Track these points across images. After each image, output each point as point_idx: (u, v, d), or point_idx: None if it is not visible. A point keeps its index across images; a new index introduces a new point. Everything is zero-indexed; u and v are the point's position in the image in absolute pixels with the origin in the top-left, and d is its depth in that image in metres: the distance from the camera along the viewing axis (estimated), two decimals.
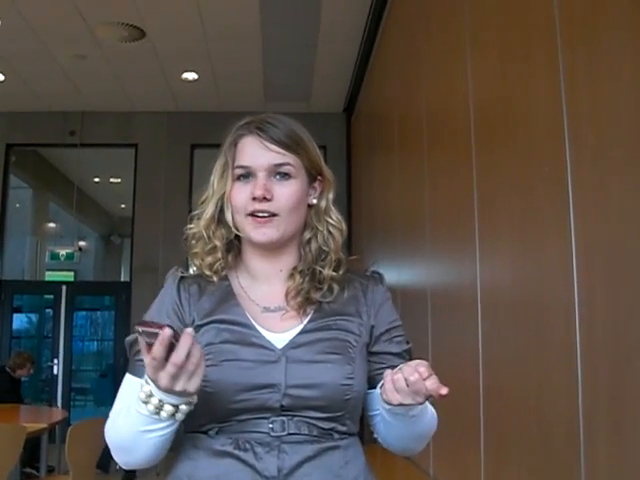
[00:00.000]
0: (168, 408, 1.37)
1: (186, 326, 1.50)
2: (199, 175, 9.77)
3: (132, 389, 1.48)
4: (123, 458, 1.52)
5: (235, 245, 1.64)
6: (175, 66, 8.36)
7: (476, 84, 3.68)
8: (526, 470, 3.00)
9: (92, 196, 12.92)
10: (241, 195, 1.56)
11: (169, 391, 1.33)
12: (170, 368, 1.28)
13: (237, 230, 1.59)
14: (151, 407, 1.36)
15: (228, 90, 9.06)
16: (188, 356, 1.29)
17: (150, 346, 1.27)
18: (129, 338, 1.57)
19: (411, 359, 1.52)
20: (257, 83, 8.86)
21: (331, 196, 1.67)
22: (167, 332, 1.26)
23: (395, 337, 1.64)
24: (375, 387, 1.58)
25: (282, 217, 1.55)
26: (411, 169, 5.53)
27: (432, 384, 1.35)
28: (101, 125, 9.98)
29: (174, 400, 1.36)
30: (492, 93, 3.48)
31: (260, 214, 1.54)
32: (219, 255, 1.60)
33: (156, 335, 1.26)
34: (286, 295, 1.59)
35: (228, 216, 1.59)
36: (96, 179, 12.39)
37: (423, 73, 5.02)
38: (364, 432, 1.67)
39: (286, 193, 1.55)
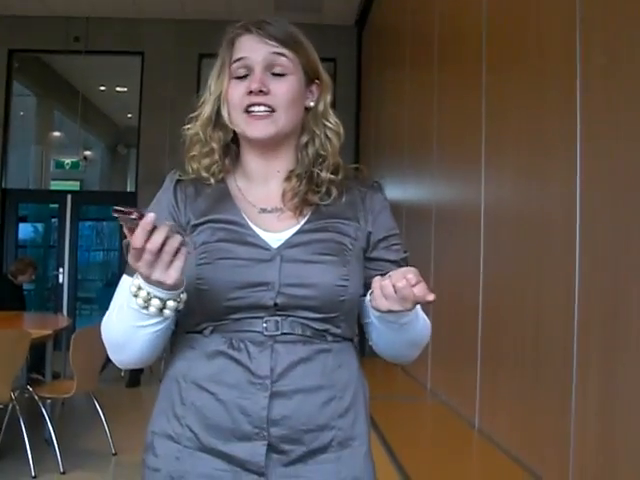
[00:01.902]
0: (156, 302, 1.37)
1: (181, 226, 1.54)
2: (206, 84, 9.63)
3: (126, 288, 1.48)
4: (117, 357, 1.54)
5: (232, 148, 1.64)
6: None
7: (491, 5, 3.62)
8: (520, 386, 3.06)
9: (98, 105, 12.77)
10: (237, 91, 1.55)
11: (148, 280, 1.34)
12: (146, 255, 1.29)
13: (234, 127, 1.58)
14: (140, 300, 1.37)
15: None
16: (164, 245, 1.29)
17: (133, 232, 1.29)
18: (126, 240, 1.56)
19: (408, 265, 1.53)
20: None
21: (329, 99, 1.65)
22: (150, 216, 1.27)
23: (393, 245, 1.63)
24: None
25: (278, 112, 1.53)
26: (421, 85, 5.48)
27: (420, 290, 1.33)
28: (107, 32, 9.81)
29: (161, 294, 1.36)
30: (505, 9, 3.42)
31: (256, 108, 1.53)
32: (216, 157, 1.60)
33: (137, 222, 1.27)
34: (282, 196, 1.58)
35: (225, 114, 1.58)
36: (102, 87, 12.23)
37: None
38: (365, 342, 1.66)
39: (282, 88, 1.54)
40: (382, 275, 1.45)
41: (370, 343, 1.66)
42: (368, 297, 1.50)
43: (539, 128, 2.89)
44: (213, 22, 9.36)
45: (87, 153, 11.88)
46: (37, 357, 6.05)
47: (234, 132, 1.61)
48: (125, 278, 1.53)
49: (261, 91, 1.52)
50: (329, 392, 1.50)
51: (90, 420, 5.78)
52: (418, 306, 1.45)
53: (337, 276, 1.50)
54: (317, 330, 1.50)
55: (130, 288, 1.39)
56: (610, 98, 2.31)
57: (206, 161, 1.59)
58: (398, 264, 1.59)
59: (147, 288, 1.36)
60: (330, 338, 1.52)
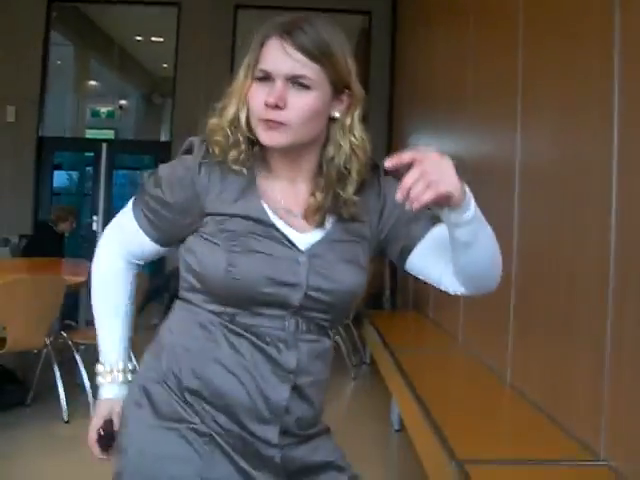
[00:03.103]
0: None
1: (201, 203, 1.55)
2: (242, 37, 9.61)
3: (129, 229, 1.66)
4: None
5: (259, 145, 1.59)
6: None
7: None
8: (553, 339, 3.08)
9: (134, 54, 12.76)
10: (257, 98, 1.52)
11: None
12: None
13: (250, 130, 1.56)
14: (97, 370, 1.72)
15: None
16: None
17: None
18: (145, 180, 1.64)
19: (433, 214, 1.55)
20: None
21: (358, 113, 1.60)
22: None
23: (398, 208, 1.56)
24: (414, 246, 1.62)
25: (292, 128, 1.51)
26: (456, 41, 5.43)
27: (414, 193, 1.33)
28: None
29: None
30: None
31: (271, 122, 1.50)
32: (242, 147, 1.57)
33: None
34: (306, 209, 1.58)
35: (242, 116, 1.56)
36: (138, 37, 12.21)
37: None
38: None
39: (300, 103, 1.50)
40: (407, 232, 1.61)
41: (449, 289, 1.65)
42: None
43: (575, 84, 2.88)
44: None
45: (122, 102, 11.91)
46: (71, 303, 6.14)
47: None
48: (131, 216, 1.64)
49: (277, 106, 1.48)
50: (324, 384, 1.63)
51: None
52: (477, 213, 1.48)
53: (357, 283, 1.57)
54: (326, 328, 1.59)
55: (101, 364, 1.71)
56: None
57: (233, 152, 1.56)
58: (414, 217, 1.60)
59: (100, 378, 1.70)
60: (330, 334, 1.62)
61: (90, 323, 6.30)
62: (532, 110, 3.46)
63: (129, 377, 1.68)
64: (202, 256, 1.54)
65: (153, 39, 12.28)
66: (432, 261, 1.64)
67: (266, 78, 1.51)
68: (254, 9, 9.60)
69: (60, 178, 11.47)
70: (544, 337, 3.19)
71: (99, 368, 1.69)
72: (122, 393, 1.65)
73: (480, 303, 4.00)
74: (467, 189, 1.44)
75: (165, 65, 11.61)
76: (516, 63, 3.62)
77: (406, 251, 1.64)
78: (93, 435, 1.66)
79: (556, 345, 3.02)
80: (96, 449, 1.66)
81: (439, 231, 1.60)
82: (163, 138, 10.87)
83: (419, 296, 6.42)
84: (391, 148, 8.27)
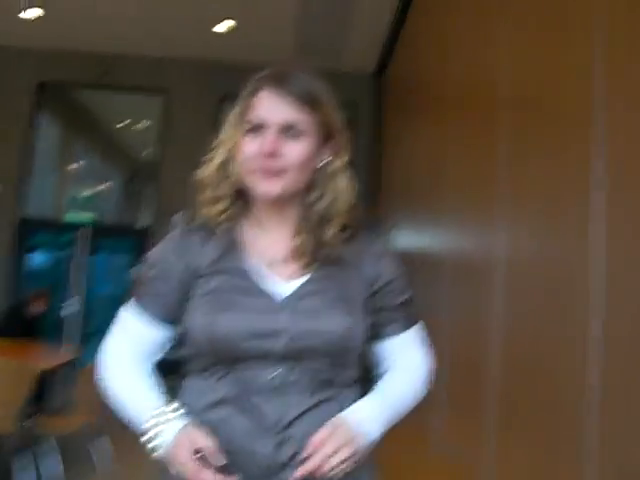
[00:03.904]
0: (151, 450, 1.48)
1: (190, 271, 1.58)
2: (223, 129, 9.71)
3: (131, 324, 1.63)
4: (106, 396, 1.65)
5: (242, 195, 1.63)
6: (210, 14, 8.30)
7: (511, 52, 3.66)
8: (535, 445, 3.00)
9: (118, 139, 12.89)
10: (250, 148, 1.55)
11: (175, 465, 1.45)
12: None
13: (242, 180, 1.58)
14: (144, 439, 1.49)
15: (259, 42, 9.01)
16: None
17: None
18: (135, 270, 1.63)
19: (409, 310, 1.67)
20: (290, 38, 8.82)
21: (345, 159, 1.64)
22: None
23: (392, 290, 1.65)
24: (379, 339, 1.65)
25: (289, 174, 1.54)
26: (436, 136, 5.53)
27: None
28: (133, 69, 9.98)
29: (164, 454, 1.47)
30: (524, 61, 3.45)
31: (266, 170, 1.53)
32: (226, 203, 1.60)
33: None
34: (291, 253, 1.59)
35: (235, 164, 1.59)
36: (123, 122, 12.35)
37: (458, 38, 4.98)
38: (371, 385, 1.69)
39: (295, 151, 1.54)
40: (386, 323, 1.63)
41: None
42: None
43: (556, 176, 2.90)
44: (235, 65, 9.50)
45: (104, 186, 11.94)
46: (43, 389, 6.03)
47: None
48: (133, 307, 1.63)
49: (272, 154, 1.52)
50: None
51: (94, 452, 5.75)
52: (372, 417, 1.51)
53: (344, 325, 1.53)
54: (325, 377, 1.53)
55: (153, 421, 1.48)
56: (631, 143, 2.31)
57: (217, 207, 1.60)
58: (396, 309, 1.65)
59: (162, 453, 1.47)
60: (337, 384, 1.55)
61: (60, 409, 6.18)
62: (511, 206, 3.49)
63: (181, 410, 1.51)
64: (189, 321, 1.55)
65: (138, 125, 12.42)
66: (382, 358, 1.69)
67: (257, 129, 1.55)
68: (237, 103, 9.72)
69: (38, 259, 11.38)
70: (526, 441, 3.13)
71: (145, 428, 1.49)
72: (183, 423, 1.48)
73: (461, 398, 3.97)
74: (367, 431, 1.50)
75: (148, 151, 11.70)
76: (496, 157, 3.67)
77: (372, 337, 1.64)
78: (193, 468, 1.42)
79: (539, 450, 2.97)
80: (209, 475, 1.40)
81: (400, 340, 1.66)
82: (143, 223, 10.87)
83: None
84: None
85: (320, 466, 1.40)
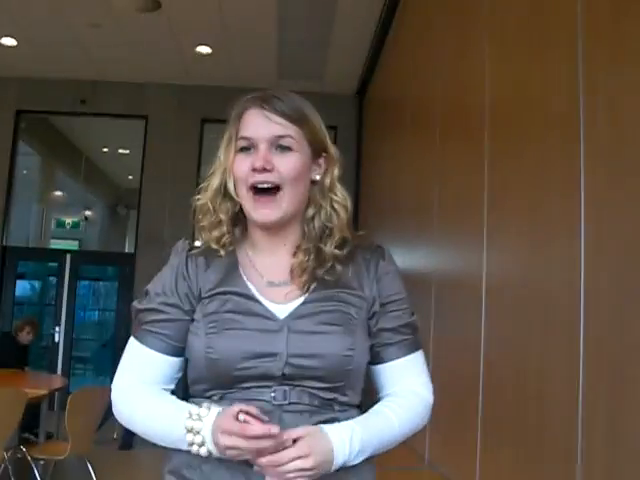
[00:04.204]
0: (203, 450, 1.44)
1: (192, 297, 1.59)
2: (208, 149, 9.78)
3: (140, 357, 1.58)
4: (124, 425, 1.60)
5: (241, 218, 1.65)
6: (189, 39, 8.33)
7: (492, 73, 3.67)
8: (522, 461, 3.00)
9: (100, 166, 12.90)
10: (242, 167, 1.57)
11: (223, 452, 1.41)
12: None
13: (240, 201, 1.60)
14: (189, 440, 1.44)
15: (241, 65, 9.03)
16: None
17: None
18: (135, 303, 1.63)
19: (411, 335, 1.65)
20: (270, 60, 8.84)
21: (336, 173, 1.66)
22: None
23: (392, 311, 1.64)
24: (378, 363, 1.63)
25: (283, 190, 1.55)
26: (422, 155, 5.52)
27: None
28: (112, 95, 9.97)
29: (214, 450, 1.43)
30: (508, 81, 3.45)
31: (260, 185, 1.55)
32: (224, 229, 1.62)
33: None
34: (291, 272, 1.60)
35: (231, 187, 1.60)
36: (104, 149, 12.37)
37: (438, 59, 5.00)
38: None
39: (286, 165, 1.56)
40: (385, 344, 1.61)
41: None
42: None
43: (542, 200, 2.90)
44: (216, 88, 9.55)
45: (87, 213, 11.95)
46: (31, 416, 6.01)
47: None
48: (136, 345, 1.60)
49: (265, 169, 1.54)
50: None
51: None
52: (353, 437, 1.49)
53: (343, 346, 1.52)
54: (324, 399, 1.52)
55: (189, 426, 1.44)
56: (615, 175, 2.32)
57: (215, 232, 1.62)
58: (397, 331, 1.63)
59: (209, 446, 1.43)
60: (337, 407, 1.54)
61: (49, 437, 6.16)
62: (498, 226, 3.48)
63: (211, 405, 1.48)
64: (189, 344, 1.56)
65: (120, 151, 12.45)
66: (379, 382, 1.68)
67: (248, 147, 1.57)
68: (221, 123, 9.74)
69: (23, 288, 11.35)
70: (513, 457, 3.11)
71: (184, 433, 1.45)
72: (217, 411, 1.44)
73: (447, 421, 3.96)
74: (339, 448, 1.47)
75: (130, 176, 11.73)
76: (482, 178, 3.66)
77: (373, 359, 1.64)
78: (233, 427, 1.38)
79: (526, 466, 2.95)
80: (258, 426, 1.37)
81: (400, 366, 1.64)
82: (127, 249, 10.87)
83: None
84: None
85: (280, 464, 1.39)
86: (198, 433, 1.43)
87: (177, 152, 9.84)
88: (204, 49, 8.56)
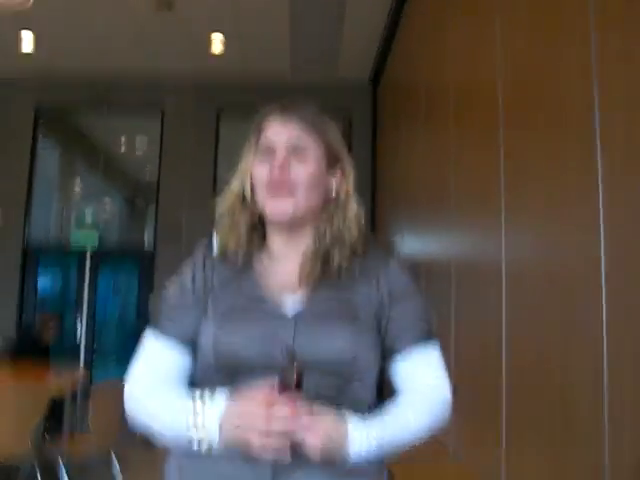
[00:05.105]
0: (204, 446, 1.48)
1: (209, 289, 1.64)
2: (225, 142, 9.81)
3: (155, 346, 1.63)
4: (137, 425, 1.62)
5: (259, 228, 1.71)
6: (202, 34, 8.32)
7: (505, 55, 3.65)
8: (548, 450, 2.97)
9: (118, 160, 12.93)
10: (261, 170, 1.64)
11: (232, 440, 1.46)
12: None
13: (258, 207, 1.66)
14: (193, 435, 1.48)
15: (255, 58, 9.05)
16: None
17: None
18: (153, 297, 1.68)
19: (422, 325, 1.66)
20: (284, 51, 8.84)
21: (351, 187, 1.72)
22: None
23: (402, 304, 1.67)
24: (392, 357, 1.65)
25: (298, 195, 1.61)
26: (437, 141, 5.50)
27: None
28: (129, 91, 10.02)
29: (215, 445, 1.48)
30: (522, 64, 3.44)
31: (278, 188, 1.61)
32: (242, 231, 1.68)
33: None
34: (299, 274, 1.64)
35: (248, 190, 1.67)
36: (122, 143, 12.40)
37: (451, 43, 4.98)
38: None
39: (302, 170, 1.62)
40: (398, 336, 1.62)
41: None
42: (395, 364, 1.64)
43: (559, 181, 2.89)
44: (231, 81, 9.57)
45: (106, 208, 11.97)
46: (54, 410, 6.06)
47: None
48: (153, 335, 1.64)
49: (282, 171, 1.60)
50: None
51: (106, 476, 5.75)
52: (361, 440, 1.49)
53: (349, 342, 1.55)
54: (331, 393, 1.54)
55: (192, 421, 1.47)
56: (630, 148, 2.31)
57: (233, 235, 1.67)
58: (409, 321, 1.66)
59: (212, 442, 1.47)
60: (344, 405, 1.54)
61: (73, 430, 6.20)
62: (516, 207, 3.47)
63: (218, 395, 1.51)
64: (199, 336, 1.60)
65: (138, 145, 12.47)
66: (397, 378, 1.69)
67: (266, 153, 1.64)
68: (236, 115, 9.80)
69: (44, 283, 11.42)
70: (538, 447, 3.07)
71: (189, 427, 1.49)
72: (223, 402, 1.49)
73: (471, 413, 3.94)
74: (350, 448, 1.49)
75: (149, 170, 11.75)
76: (498, 163, 3.65)
77: (387, 354, 1.66)
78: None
79: (551, 455, 2.92)
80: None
81: (414, 357, 1.65)
82: (147, 243, 10.88)
83: None
84: None
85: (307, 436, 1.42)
86: (203, 427, 1.47)
87: (194, 145, 9.86)
88: (217, 41, 8.53)
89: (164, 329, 1.64)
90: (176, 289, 1.68)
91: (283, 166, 1.61)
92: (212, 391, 1.51)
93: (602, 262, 2.44)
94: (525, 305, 3.32)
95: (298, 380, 1.43)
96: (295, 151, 1.63)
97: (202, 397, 1.50)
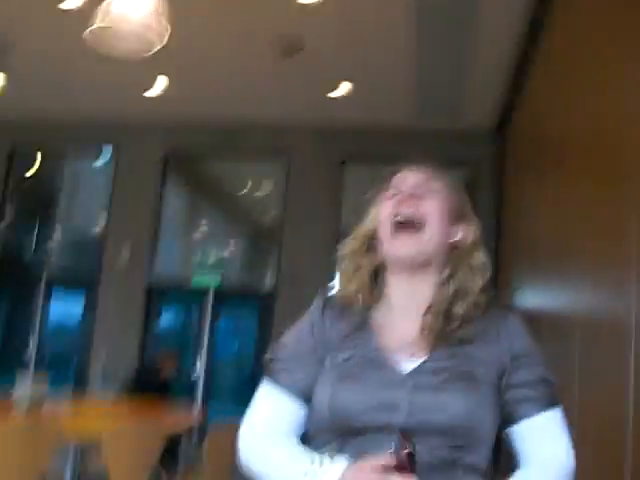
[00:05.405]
0: None
1: (323, 345, 1.62)
2: (349, 190, 9.87)
3: (270, 398, 1.62)
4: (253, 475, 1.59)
5: (380, 278, 1.69)
6: (329, 80, 8.45)
7: (635, 105, 3.53)
8: None
9: (242, 203, 13.21)
10: (388, 207, 1.65)
11: None
12: None
13: (382, 253, 1.66)
14: None
15: (380, 105, 9.10)
16: None
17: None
18: (268, 354, 1.71)
19: (545, 391, 1.59)
20: (409, 98, 8.85)
21: (477, 238, 1.70)
22: None
23: (523, 367, 1.61)
24: (513, 423, 1.59)
25: (426, 228, 1.60)
26: (564, 191, 5.39)
27: None
28: (255, 136, 10.24)
29: None
30: None
31: (403, 219, 1.60)
32: (364, 279, 1.67)
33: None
34: (421, 331, 1.61)
35: (371, 232, 1.70)
36: (247, 188, 12.67)
37: (582, 92, 4.88)
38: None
39: (430, 205, 1.62)
40: (520, 400, 1.55)
41: None
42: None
43: None
44: (356, 129, 9.64)
45: (229, 250, 12.21)
46: (171, 451, 6.13)
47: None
48: (269, 386, 1.64)
49: (409, 204, 1.60)
50: None
51: None
52: None
53: (467, 403, 1.50)
54: (445, 458, 1.48)
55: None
56: None
57: (354, 283, 1.66)
58: (530, 387, 1.59)
59: None
60: (460, 469, 1.49)
61: (188, 470, 6.26)
62: None
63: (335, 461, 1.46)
64: (314, 394, 1.58)
65: (262, 190, 12.71)
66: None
67: (395, 193, 1.66)
68: (360, 163, 9.87)
69: (166, 321, 11.70)
70: None
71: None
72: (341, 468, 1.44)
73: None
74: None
75: (272, 216, 11.96)
76: (624, 215, 3.50)
77: (507, 420, 1.60)
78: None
79: None
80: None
81: (536, 424, 1.58)
82: (267, 287, 11.02)
83: None
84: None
85: None
86: None
87: (318, 192, 9.96)
88: (344, 89, 8.63)
89: (279, 380, 1.63)
90: (294, 340, 1.67)
91: (410, 199, 1.61)
92: (331, 456, 1.47)
93: None
94: None
95: (411, 456, 1.36)
96: (422, 190, 1.64)
97: (322, 461, 1.45)
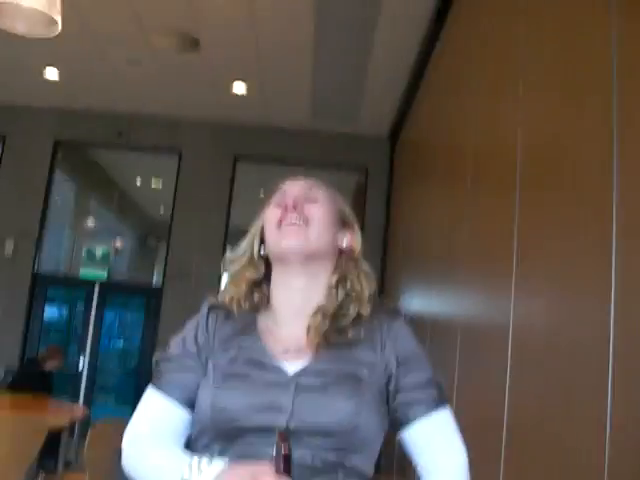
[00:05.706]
0: None
1: (210, 349, 1.62)
2: (240, 187, 9.88)
3: (155, 405, 1.60)
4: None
5: (264, 286, 1.71)
6: (225, 78, 8.42)
7: (526, 122, 3.66)
8: None
9: (132, 197, 13.03)
10: (274, 212, 1.67)
11: None
12: None
13: (268, 245, 1.67)
14: None
15: (275, 105, 9.13)
16: None
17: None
18: (157, 354, 1.67)
19: (434, 391, 1.62)
20: (305, 100, 8.90)
21: (360, 247, 1.73)
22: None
23: (410, 370, 1.64)
24: (405, 426, 1.61)
25: (311, 227, 1.63)
26: (451, 200, 5.50)
27: None
28: (148, 129, 10.12)
29: None
30: (542, 133, 3.44)
31: (290, 221, 1.63)
32: (244, 288, 1.68)
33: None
34: (307, 332, 1.61)
35: (257, 245, 1.71)
36: (138, 181, 12.50)
37: (471, 106, 5.00)
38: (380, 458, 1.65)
39: (316, 210, 1.65)
40: (407, 403, 1.57)
41: None
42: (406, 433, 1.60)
43: (573, 252, 2.85)
44: (250, 127, 9.65)
45: (118, 243, 12.03)
46: (50, 444, 6.00)
47: (266, 267, 1.71)
48: (154, 393, 1.61)
49: (294, 207, 1.63)
50: None
51: None
52: None
53: (351, 405, 1.51)
54: (328, 461, 1.49)
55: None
56: None
57: (236, 291, 1.68)
58: (418, 389, 1.62)
59: None
60: (341, 472, 1.50)
61: (68, 465, 6.15)
62: (528, 274, 3.43)
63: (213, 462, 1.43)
64: (197, 398, 1.57)
65: (153, 184, 12.56)
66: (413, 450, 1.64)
67: (281, 200, 1.68)
68: (253, 161, 9.88)
69: (51, 314, 11.42)
70: None
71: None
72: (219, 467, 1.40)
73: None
74: None
75: (162, 210, 11.82)
76: (512, 227, 3.63)
77: (399, 424, 1.63)
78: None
79: None
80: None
81: (430, 425, 1.62)
82: (155, 281, 10.91)
83: (403, 459, 6.15)
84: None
85: None
86: None
87: (209, 188, 9.91)
88: (239, 87, 8.62)
89: (163, 385, 1.61)
90: (179, 346, 1.66)
91: (295, 204, 1.64)
92: (210, 457, 1.44)
93: (611, 334, 2.41)
94: (529, 371, 3.28)
95: (287, 458, 1.35)
96: (307, 196, 1.67)
97: (199, 462, 1.42)
